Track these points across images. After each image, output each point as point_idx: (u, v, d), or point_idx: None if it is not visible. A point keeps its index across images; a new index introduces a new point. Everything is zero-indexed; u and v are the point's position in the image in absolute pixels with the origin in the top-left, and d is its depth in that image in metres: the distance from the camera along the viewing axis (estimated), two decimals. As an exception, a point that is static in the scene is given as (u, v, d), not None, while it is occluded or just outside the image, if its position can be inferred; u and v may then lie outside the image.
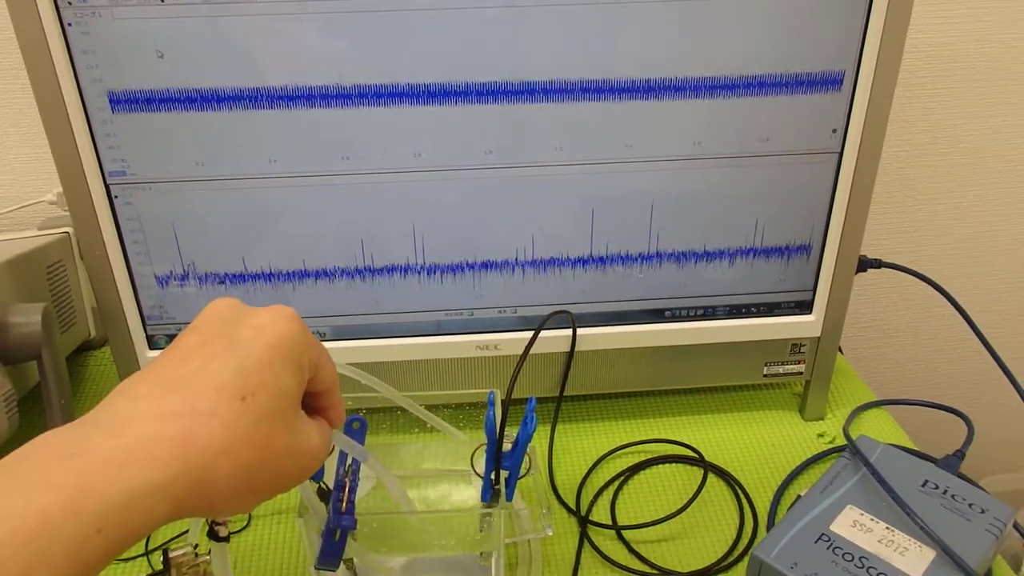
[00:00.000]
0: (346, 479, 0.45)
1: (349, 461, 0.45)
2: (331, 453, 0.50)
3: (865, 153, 0.58)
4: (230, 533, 0.41)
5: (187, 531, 0.57)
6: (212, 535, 0.40)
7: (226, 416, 0.31)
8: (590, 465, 0.66)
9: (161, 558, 0.54)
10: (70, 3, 0.49)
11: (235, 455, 0.31)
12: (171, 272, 0.59)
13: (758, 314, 0.66)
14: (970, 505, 0.54)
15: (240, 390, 0.31)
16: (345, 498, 0.44)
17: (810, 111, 0.57)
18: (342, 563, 0.46)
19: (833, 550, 0.51)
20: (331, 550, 0.44)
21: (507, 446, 0.50)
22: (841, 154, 0.59)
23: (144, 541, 0.59)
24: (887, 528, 0.52)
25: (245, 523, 0.61)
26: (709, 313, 0.65)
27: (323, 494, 0.49)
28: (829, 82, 0.56)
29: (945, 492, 0.55)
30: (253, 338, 0.33)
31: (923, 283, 0.66)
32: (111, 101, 0.53)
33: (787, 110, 0.57)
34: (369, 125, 0.55)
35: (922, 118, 0.89)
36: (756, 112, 0.57)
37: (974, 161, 0.92)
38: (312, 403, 0.38)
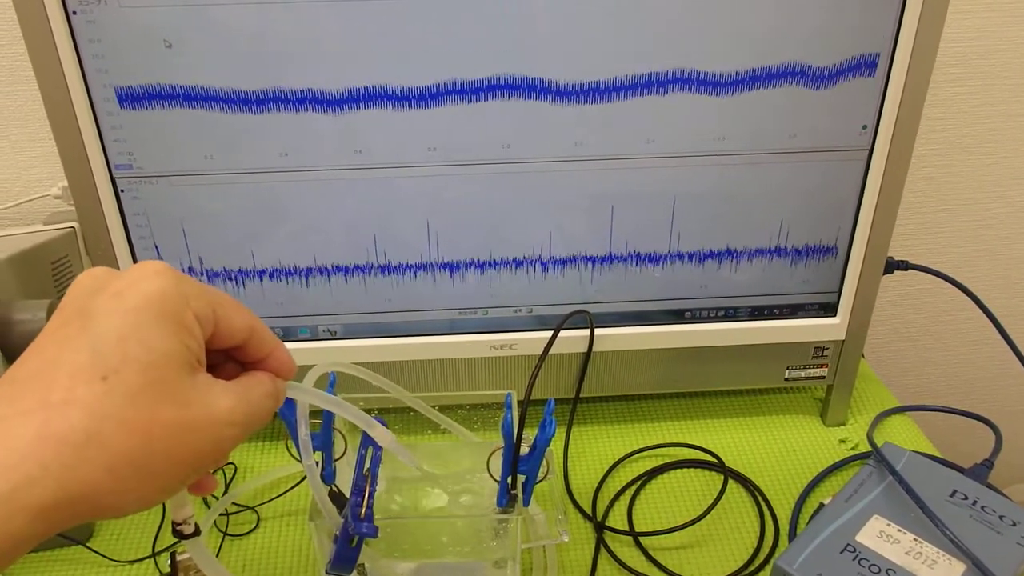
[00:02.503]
0: (365, 484, 0.43)
1: (367, 465, 0.44)
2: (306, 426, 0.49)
3: (896, 150, 0.57)
4: (197, 526, 0.38)
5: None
6: (178, 535, 0.38)
7: (85, 402, 0.27)
8: (606, 469, 0.64)
9: (168, 561, 0.53)
10: (77, -10, 0.48)
11: (107, 443, 0.27)
12: (179, 268, 0.58)
13: (781, 316, 0.64)
14: (1000, 517, 0.52)
15: (100, 370, 0.28)
16: (364, 503, 0.43)
17: (840, 103, 0.55)
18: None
19: (859, 561, 0.50)
20: (346, 555, 0.43)
21: (524, 449, 0.48)
22: (871, 151, 0.57)
23: (152, 542, 0.58)
24: (915, 539, 0.51)
25: (254, 525, 0.60)
26: (730, 314, 0.64)
27: (335, 497, 0.48)
28: (863, 65, 0.54)
29: (975, 503, 0.53)
30: (112, 307, 0.29)
31: (944, 285, 0.64)
32: (117, 91, 0.51)
33: (817, 100, 0.55)
34: (383, 119, 0.54)
35: (948, 116, 0.87)
36: (784, 103, 0.55)
37: (1000, 161, 0.90)
38: (241, 358, 0.34)
